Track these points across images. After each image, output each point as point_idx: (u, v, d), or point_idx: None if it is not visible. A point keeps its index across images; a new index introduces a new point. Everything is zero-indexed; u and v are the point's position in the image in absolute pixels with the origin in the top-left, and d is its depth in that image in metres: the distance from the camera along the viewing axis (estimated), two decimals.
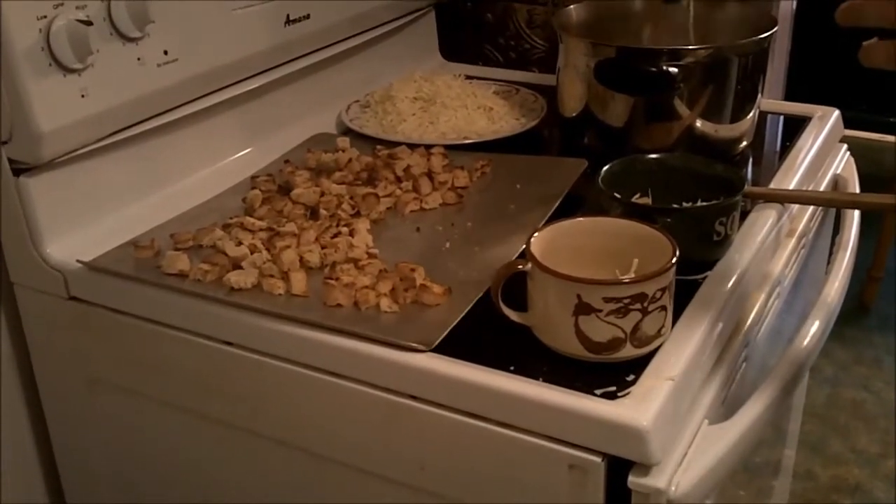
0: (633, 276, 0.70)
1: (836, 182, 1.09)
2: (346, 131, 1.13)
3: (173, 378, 0.85)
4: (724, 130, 1.02)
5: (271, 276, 0.80)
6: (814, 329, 0.80)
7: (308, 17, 1.09)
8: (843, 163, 1.12)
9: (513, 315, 0.73)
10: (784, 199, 0.93)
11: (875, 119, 3.06)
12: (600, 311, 0.67)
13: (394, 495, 0.78)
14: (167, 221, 0.92)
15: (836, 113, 1.14)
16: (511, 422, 0.68)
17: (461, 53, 1.45)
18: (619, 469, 0.66)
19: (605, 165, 0.85)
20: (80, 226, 0.89)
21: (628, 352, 0.69)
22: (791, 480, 1.48)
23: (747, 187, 0.86)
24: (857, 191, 1.08)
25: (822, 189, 1.06)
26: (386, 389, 0.73)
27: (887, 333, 2.29)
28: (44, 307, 0.90)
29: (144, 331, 0.84)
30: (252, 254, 0.82)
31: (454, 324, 0.74)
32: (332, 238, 0.85)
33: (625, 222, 0.76)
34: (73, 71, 0.83)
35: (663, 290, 0.68)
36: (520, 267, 0.71)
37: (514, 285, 0.72)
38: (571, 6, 1.13)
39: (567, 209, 0.91)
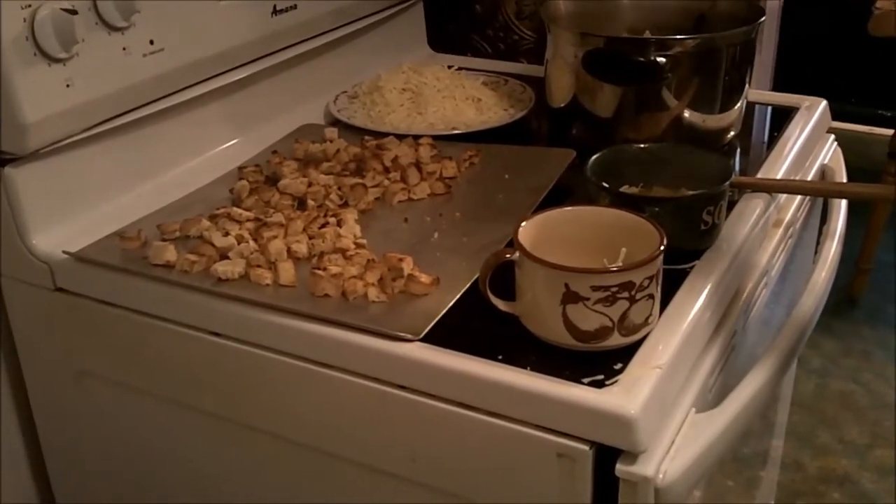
0: (620, 264, 0.70)
1: (824, 172, 1.09)
2: (334, 122, 1.12)
3: (161, 369, 0.85)
4: (712, 120, 1.03)
5: (259, 266, 0.80)
6: (801, 317, 0.80)
7: (295, 7, 1.08)
8: (830, 153, 1.12)
9: (501, 304, 0.73)
10: (771, 188, 0.93)
11: (864, 111, 3.07)
12: (588, 299, 0.67)
13: (385, 486, 0.78)
14: (154, 212, 0.91)
15: (824, 103, 1.15)
16: (499, 411, 0.68)
17: (449, 44, 1.44)
18: (607, 457, 0.66)
19: (593, 155, 0.85)
20: (66, 217, 0.88)
21: (616, 340, 0.69)
22: (779, 471, 1.48)
23: (735, 177, 0.86)
24: (845, 181, 1.08)
25: (809, 179, 1.06)
26: (374, 379, 0.73)
27: (876, 325, 2.30)
28: (30, 299, 0.90)
29: (131, 322, 0.84)
30: (239, 244, 0.82)
31: (442, 313, 0.74)
32: (320, 228, 0.84)
33: (613, 212, 0.76)
34: (58, 60, 0.83)
35: (651, 278, 0.68)
36: (508, 256, 0.71)
37: (503, 275, 0.72)
38: None
39: (555, 199, 0.91)
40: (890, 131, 2.21)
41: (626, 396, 0.65)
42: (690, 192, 0.82)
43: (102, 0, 0.85)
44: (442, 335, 0.72)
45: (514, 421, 0.68)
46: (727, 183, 0.81)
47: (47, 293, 0.88)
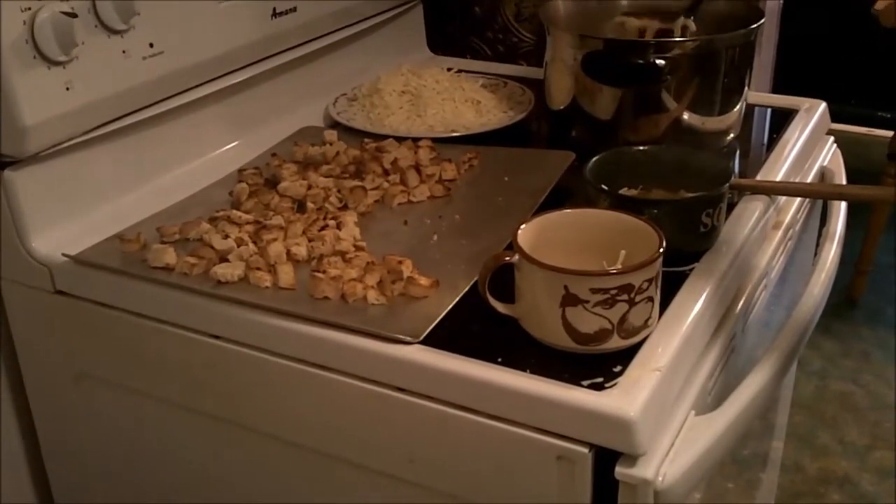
0: (619, 267, 0.70)
1: (823, 174, 1.09)
2: (334, 125, 1.12)
3: (160, 372, 0.85)
4: (712, 122, 1.03)
5: (258, 269, 0.80)
6: (801, 319, 0.80)
7: (295, 9, 1.09)
8: (829, 155, 1.12)
9: (500, 307, 0.73)
10: (771, 190, 0.93)
11: (863, 113, 3.08)
12: (587, 302, 0.67)
13: (383, 488, 0.78)
14: (153, 215, 0.91)
15: (823, 105, 1.15)
16: (499, 413, 0.68)
17: (449, 47, 1.45)
18: (606, 460, 0.66)
19: (592, 158, 0.85)
20: (65, 219, 0.88)
21: (615, 343, 0.69)
22: (779, 473, 1.48)
23: (734, 179, 0.86)
24: (844, 183, 1.09)
25: (808, 181, 1.06)
26: (374, 382, 0.73)
27: (875, 326, 2.30)
28: (30, 301, 0.90)
29: (131, 325, 0.84)
30: (239, 247, 0.82)
31: (441, 316, 0.74)
32: (320, 231, 0.84)
33: (612, 214, 0.76)
34: (57, 63, 0.83)
35: (650, 281, 0.68)
36: (507, 259, 0.71)
37: (502, 277, 0.72)
38: None
39: (554, 201, 0.91)
40: (889, 133, 2.21)
41: (625, 399, 0.65)
42: (690, 195, 0.82)
43: (102, 2, 0.85)
44: (441, 338, 0.72)
45: (514, 423, 0.68)
46: (726, 185, 0.81)
47: (47, 296, 0.88)
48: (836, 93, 1.85)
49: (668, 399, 0.69)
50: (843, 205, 1.02)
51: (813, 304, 0.83)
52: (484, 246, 0.84)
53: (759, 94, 1.18)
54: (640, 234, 0.73)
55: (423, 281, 0.77)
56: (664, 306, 0.74)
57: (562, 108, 1.06)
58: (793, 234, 0.99)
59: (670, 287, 0.75)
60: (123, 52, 0.88)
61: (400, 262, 0.78)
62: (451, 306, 0.75)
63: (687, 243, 0.80)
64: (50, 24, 0.80)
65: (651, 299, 0.69)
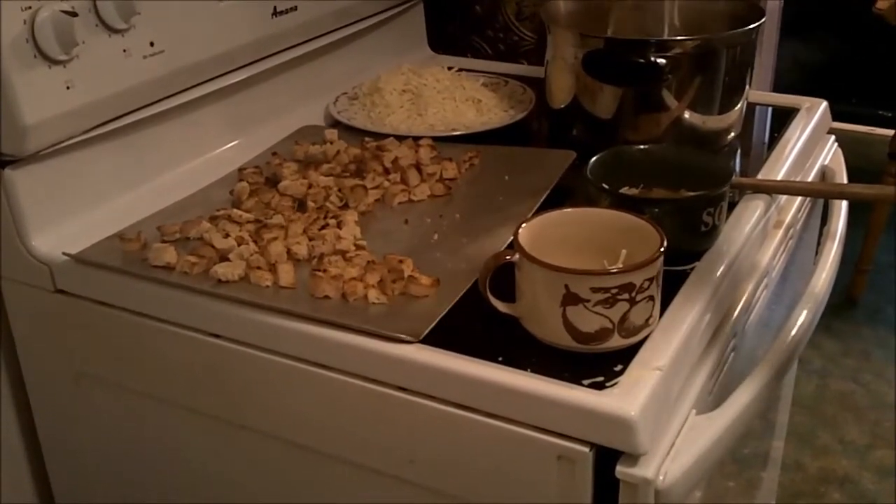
0: (620, 266, 0.70)
1: (824, 173, 1.09)
2: (335, 123, 1.12)
3: (160, 371, 0.85)
4: (712, 121, 1.02)
5: (259, 268, 0.80)
6: (801, 319, 0.80)
7: (295, 8, 1.08)
8: (830, 154, 1.12)
9: (501, 306, 0.72)
10: (772, 189, 0.93)
11: (864, 112, 3.07)
12: (588, 301, 0.67)
13: (384, 487, 0.78)
14: (154, 214, 0.91)
15: (824, 104, 1.15)
16: (499, 412, 0.68)
17: (450, 46, 1.45)
18: (607, 459, 0.66)
19: (593, 157, 0.85)
20: (66, 218, 0.88)
21: (616, 342, 0.69)
22: (780, 472, 1.48)
23: (735, 178, 0.86)
24: (845, 182, 1.08)
25: (809, 180, 1.06)
26: (374, 381, 0.73)
27: (875, 326, 2.30)
28: (30, 300, 0.90)
29: (131, 324, 0.84)
30: (239, 246, 0.82)
31: (442, 315, 0.74)
32: (320, 230, 0.84)
33: (613, 213, 0.76)
34: (58, 62, 0.83)
35: (651, 280, 0.68)
36: (508, 258, 0.71)
37: (503, 276, 0.72)
38: None
39: (555, 200, 0.91)
40: (890, 132, 2.21)
41: (626, 398, 0.65)
42: (691, 194, 0.82)
43: (102, 1, 0.85)
44: (442, 337, 0.72)
45: (514, 423, 0.68)
46: (727, 184, 0.81)
47: (47, 295, 0.88)
48: (837, 91, 1.85)
49: (669, 398, 0.69)
50: (844, 204, 1.01)
51: (814, 303, 0.83)
52: (484, 245, 0.84)
53: (759, 93, 1.18)
54: (641, 233, 0.73)
55: (424, 280, 0.77)
56: (665, 305, 0.73)
57: (562, 106, 1.06)
58: (794, 233, 0.99)
59: (671, 286, 0.75)
60: (124, 51, 0.88)
61: (400, 262, 0.78)
62: (451, 305, 0.75)
63: (688, 242, 0.80)
64: (50, 23, 0.80)
65: (652, 298, 0.69)
